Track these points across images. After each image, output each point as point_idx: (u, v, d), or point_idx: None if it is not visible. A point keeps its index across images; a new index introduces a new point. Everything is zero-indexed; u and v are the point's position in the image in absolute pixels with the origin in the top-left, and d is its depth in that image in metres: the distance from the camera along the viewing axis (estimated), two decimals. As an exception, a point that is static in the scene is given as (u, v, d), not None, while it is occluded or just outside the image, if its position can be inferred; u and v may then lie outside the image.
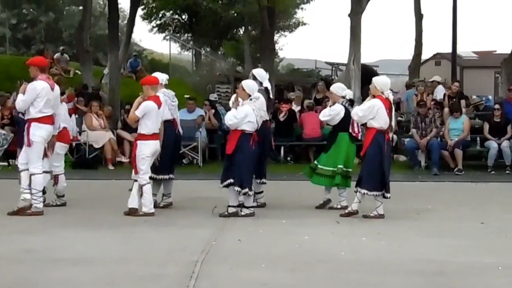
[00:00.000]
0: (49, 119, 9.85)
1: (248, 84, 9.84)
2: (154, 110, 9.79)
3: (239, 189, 9.62)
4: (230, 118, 9.64)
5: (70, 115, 11.84)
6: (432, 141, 15.37)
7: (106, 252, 7.43)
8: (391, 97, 9.72)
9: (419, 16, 25.58)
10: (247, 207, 9.77)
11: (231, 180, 9.66)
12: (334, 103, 10.39)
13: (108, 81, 21.84)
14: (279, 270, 6.67)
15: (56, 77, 22.99)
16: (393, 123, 9.80)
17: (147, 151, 9.78)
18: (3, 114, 17.65)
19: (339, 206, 10.33)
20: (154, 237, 8.26)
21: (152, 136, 9.80)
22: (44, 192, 10.13)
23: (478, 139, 16.32)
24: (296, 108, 17.86)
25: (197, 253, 7.26)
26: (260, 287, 6.12)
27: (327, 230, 8.76)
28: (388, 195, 9.65)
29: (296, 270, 6.69)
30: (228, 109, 18.43)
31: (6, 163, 16.58)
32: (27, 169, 9.85)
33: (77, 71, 24.63)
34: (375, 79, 9.98)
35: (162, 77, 10.56)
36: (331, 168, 10.24)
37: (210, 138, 17.20)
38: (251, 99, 9.66)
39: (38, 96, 9.68)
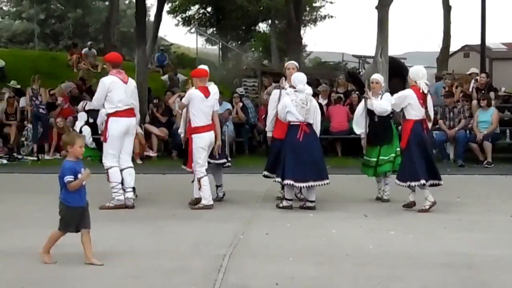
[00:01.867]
0: (126, 113, 9.99)
1: (294, 76, 9.92)
2: (199, 98, 9.85)
3: (279, 179, 9.78)
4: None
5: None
6: (459, 133, 15.25)
7: (134, 246, 7.48)
8: (424, 87, 9.65)
9: (447, 8, 25.35)
10: (287, 199, 9.77)
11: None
12: (378, 95, 10.38)
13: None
14: (307, 263, 6.67)
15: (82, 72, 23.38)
16: (430, 113, 9.72)
17: (201, 143, 9.83)
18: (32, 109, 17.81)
19: (387, 197, 10.43)
20: (181, 231, 8.29)
21: (204, 128, 9.85)
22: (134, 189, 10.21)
23: (507, 131, 16.16)
24: (323, 101, 17.80)
25: (225, 246, 7.29)
26: (288, 280, 6.12)
27: (355, 223, 8.74)
28: (437, 182, 9.73)
29: (324, 263, 6.69)
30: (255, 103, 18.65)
31: (35, 158, 16.73)
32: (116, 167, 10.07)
33: (104, 66, 24.75)
34: (410, 69, 10.01)
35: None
36: (393, 154, 10.36)
37: (237, 132, 17.20)
38: (295, 91, 9.72)
39: (109, 90, 9.88)
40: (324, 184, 9.74)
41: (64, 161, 6.76)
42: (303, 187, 9.72)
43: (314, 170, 9.68)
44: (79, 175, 6.64)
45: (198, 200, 9.90)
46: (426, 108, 9.65)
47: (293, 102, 9.65)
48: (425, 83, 9.76)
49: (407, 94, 9.71)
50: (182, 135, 10.50)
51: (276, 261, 6.75)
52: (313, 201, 9.80)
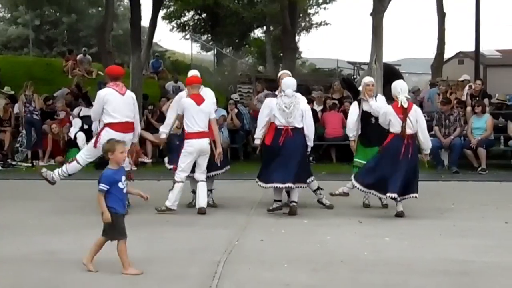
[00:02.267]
0: (123, 127, 10.01)
1: (284, 81, 10.06)
2: (190, 106, 9.96)
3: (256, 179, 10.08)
4: None
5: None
6: (455, 140, 15.28)
7: (129, 253, 7.42)
8: (403, 102, 9.67)
9: (441, 15, 25.41)
10: (276, 200, 9.88)
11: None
12: (372, 97, 10.54)
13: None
14: (302, 270, 6.66)
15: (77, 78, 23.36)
16: (410, 126, 9.67)
17: (189, 148, 9.93)
18: (27, 116, 17.78)
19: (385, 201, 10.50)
20: (176, 238, 8.28)
21: (196, 134, 9.91)
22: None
23: (502, 138, 16.20)
24: (318, 107, 17.83)
25: (220, 253, 7.28)
26: (283, 287, 6.11)
27: (350, 230, 8.74)
28: (392, 195, 9.62)
29: (319, 270, 6.68)
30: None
31: (30, 164, 16.70)
32: None
33: (99, 72, 24.75)
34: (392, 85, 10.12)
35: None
36: None
37: (232, 138, 17.20)
38: (285, 95, 9.83)
39: (104, 102, 10.00)
40: (289, 187, 9.76)
41: (105, 169, 6.71)
42: (270, 187, 9.88)
43: (285, 172, 9.69)
44: (120, 184, 6.61)
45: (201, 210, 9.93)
46: (408, 121, 9.63)
47: (277, 105, 9.80)
48: (406, 97, 9.77)
49: (386, 111, 9.87)
50: (163, 136, 10.83)
51: (271, 268, 6.74)
52: (293, 202, 9.88)
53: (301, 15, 35.90)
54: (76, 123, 16.90)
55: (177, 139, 10.63)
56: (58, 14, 42.06)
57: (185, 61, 37.91)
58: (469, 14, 48.00)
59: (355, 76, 29.81)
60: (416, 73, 36.55)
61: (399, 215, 9.63)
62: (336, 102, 18.06)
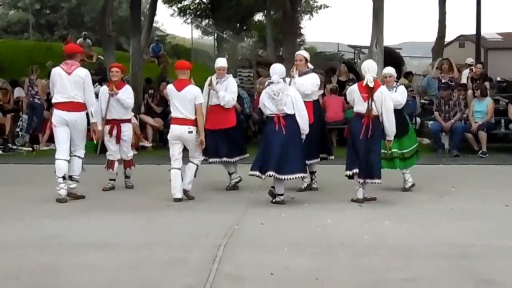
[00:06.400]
0: (65, 106, 9.72)
1: (272, 67, 9.91)
2: (171, 92, 9.86)
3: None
4: None
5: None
6: (456, 124, 15.25)
7: (130, 237, 7.48)
8: (369, 81, 9.51)
9: (442, -3, 25.31)
10: (278, 194, 9.54)
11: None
12: (392, 88, 10.36)
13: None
14: (302, 254, 6.68)
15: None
16: (373, 107, 9.56)
17: (169, 134, 9.96)
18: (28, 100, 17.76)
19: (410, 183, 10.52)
20: (177, 222, 8.30)
21: (175, 120, 9.81)
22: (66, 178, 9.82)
23: (502, 121, 16.17)
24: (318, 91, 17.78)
25: (220, 237, 7.29)
26: (283, 270, 6.13)
27: (350, 214, 8.75)
28: (361, 180, 9.59)
29: (319, 254, 6.70)
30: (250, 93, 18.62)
31: (30, 148, 16.72)
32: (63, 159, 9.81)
33: (100, 56, 24.69)
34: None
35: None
36: (415, 145, 10.63)
37: (232, 122, 17.14)
38: (271, 82, 9.67)
39: (52, 81, 9.94)
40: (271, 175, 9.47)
41: None
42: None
43: (275, 161, 9.41)
44: None
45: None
46: (372, 101, 9.46)
47: (266, 94, 9.61)
48: (372, 76, 9.61)
49: (352, 88, 9.90)
50: None
51: (271, 252, 6.76)
52: (280, 195, 9.59)
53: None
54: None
55: None
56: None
57: (185, 45, 37.84)
58: (470, -3, 47.80)
59: (356, 60, 29.74)
60: (417, 57, 36.49)
61: (357, 201, 9.56)
62: (337, 85, 18.02)
